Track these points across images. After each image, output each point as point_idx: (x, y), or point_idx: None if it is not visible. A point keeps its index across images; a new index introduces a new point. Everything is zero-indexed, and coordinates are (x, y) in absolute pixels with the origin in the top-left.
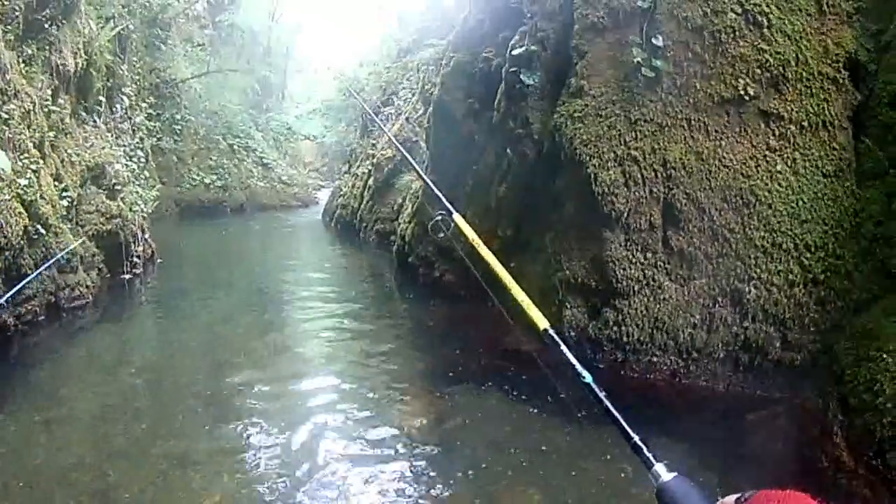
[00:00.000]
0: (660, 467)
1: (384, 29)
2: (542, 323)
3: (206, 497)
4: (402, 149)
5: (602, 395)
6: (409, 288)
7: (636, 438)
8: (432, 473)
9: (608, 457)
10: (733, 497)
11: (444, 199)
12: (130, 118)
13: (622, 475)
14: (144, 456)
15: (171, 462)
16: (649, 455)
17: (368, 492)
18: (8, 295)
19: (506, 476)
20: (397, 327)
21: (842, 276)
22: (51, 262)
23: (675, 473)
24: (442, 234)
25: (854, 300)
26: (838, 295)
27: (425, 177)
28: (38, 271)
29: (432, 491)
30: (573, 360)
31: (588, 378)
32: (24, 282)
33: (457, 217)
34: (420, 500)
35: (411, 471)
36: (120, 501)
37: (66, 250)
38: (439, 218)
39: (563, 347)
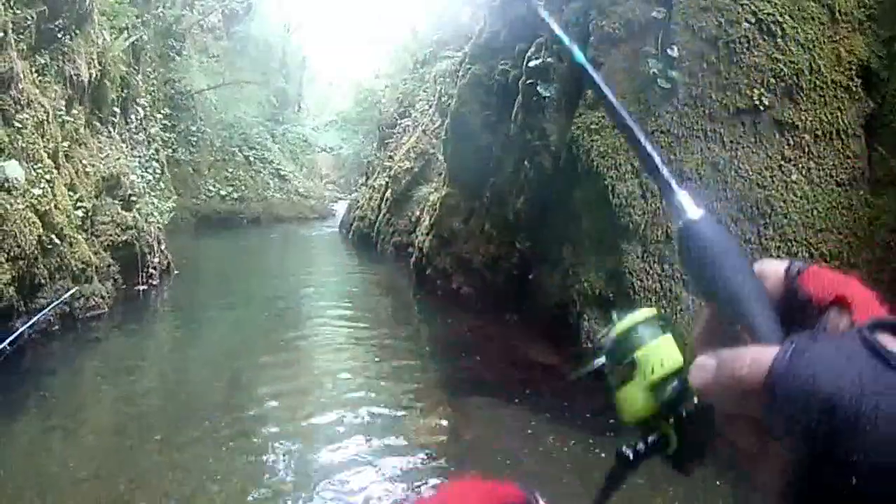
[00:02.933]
0: (684, 197)
1: (400, 41)
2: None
3: None
4: None
5: (597, 77)
6: (427, 300)
7: (650, 149)
8: (446, 482)
9: None
10: (779, 263)
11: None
12: (145, 129)
13: (638, 488)
14: (158, 467)
15: (184, 473)
16: (668, 176)
17: (383, 502)
18: (9, 340)
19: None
20: (414, 339)
21: None
22: (52, 305)
23: (703, 211)
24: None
25: None
26: None
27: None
28: (32, 320)
29: None
30: (553, 25)
31: (580, 57)
32: (19, 330)
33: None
34: None
35: (426, 480)
36: None
37: (68, 293)
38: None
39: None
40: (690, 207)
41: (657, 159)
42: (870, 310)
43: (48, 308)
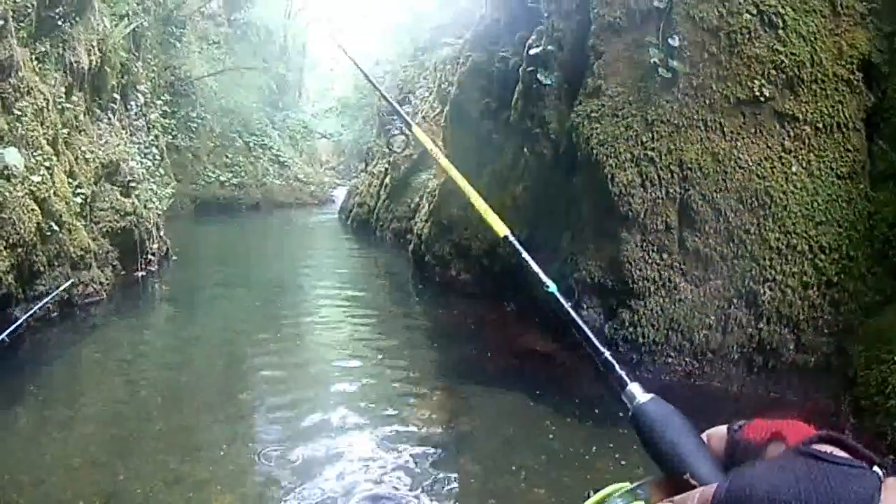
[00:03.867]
0: (634, 387)
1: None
2: (503, 230)
3: (219, 497)
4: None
5: (568, 305)
6: (425, 287)
7: (606, 354)
8: (445, 471)
9: (622, 458)
10: (723, 428)
11: (402, 113)
12: (145, 115)
13: (636, 476)
14: (157, 454)
15: (183, 461)
16: (621, 373)
17: (381, 488)
18: (7, 332)
19: (518, 475)
20: (413, 325)
21: (855, 278)
22: (51, 296)
23: (651, 395)
24: (399, 150)
25: (867, 302)
26: (852, 297)
27: (381, 90)
28: (31, 311)
29: (444, 488)
30: (536, 268)
31: (552, 287)
32: (13, 326)
33: (415, 129)
34: (432, 497)
35: (424, 468)
36: (131, 500)
37: (62, 288)
38: (397, 132)
39: (524, 254)
40: (640, 394)
41: (612, 362)
42: (807, 434)
43: (46, 299)
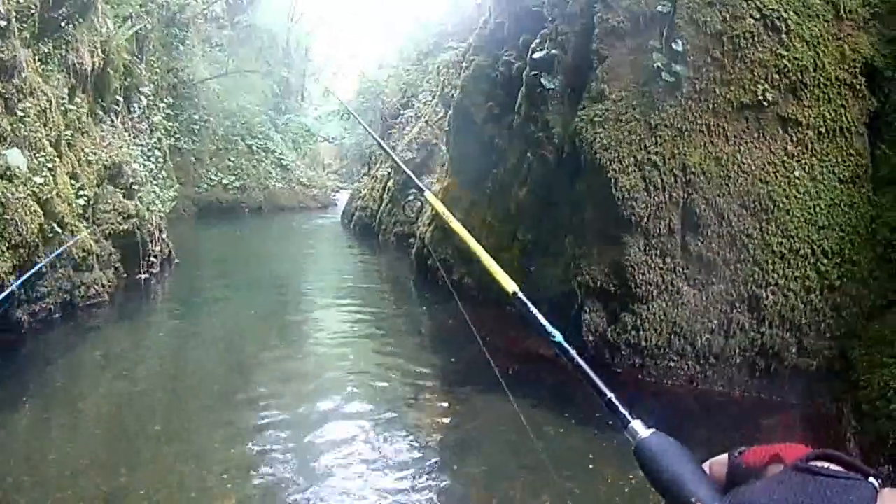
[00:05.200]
0: (637, 424)
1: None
2: (511, 286)
3: (220, 498)
4: (372, 133)
5: (573, 352)
6: (428, 290)
7: (610, 395)
8: (448, 473)
9: (624, 463)
10: (724, 455)
11: (415, 179)
12: (148, 118)
13: (638, 479)
14: (158, 456)
15: (185, 462)
16: (625, 412)
17: (383, 491)
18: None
19: (521, 478)
20: (416, 329)
21: (857, 282)
22: (55, 254)
23: (653, 430)
24: (413, 214)
25: (869, 306)
26: (854, 301)
27: (395, 157)
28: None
29: (448, 490)
30: (542, 320)
31: (558, 337)
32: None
33: (428, 195)
34: (435, 501)
35: (427, 471)
36: (132, 500)
37: (71, 242)
38: (411, 197)
39: (532, 309)
40: (642, 430)
41: (614, 400)
42: (804, 453)
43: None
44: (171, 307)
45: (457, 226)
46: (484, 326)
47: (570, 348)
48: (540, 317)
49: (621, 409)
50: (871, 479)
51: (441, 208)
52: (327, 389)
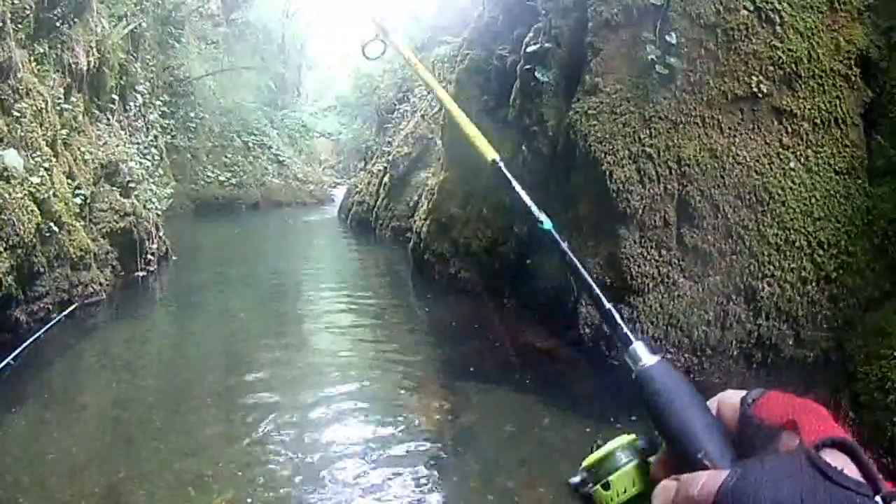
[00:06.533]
0: (639, 346)
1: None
2: (491, 154)
3: (219, 494)
4: None
5: (564, 245)
6: (425, 285)
7: (608, 305)
8: (446, 467)
9: None
10: (737, 394)
11: (377, 21)
12: (144, 116)
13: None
14: (156, 453)
15: (183, 460)
16: (626, 328)
17: (382, 485)
18: (12, 356)
19: (519, 471)
20: (413, 323)
21: (854, 273)
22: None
23: (658, 357)
24: (377, 57)
25: (866, 298)
26: (850, 292)
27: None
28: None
29: (446, 484)
30: (529, 202)
31: (547, 224)
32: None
33: (393, 38)
34: (433, 493)
35: (425, 464)
36: (132, 500)
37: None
38: (371, 40)
39: (515, 183)
40: (645, 355)
41: (616, 315)
42: (822, 430)
43: (44, 329)
44: (169, 305)
45: (428, 77)
46: (481, 320)
47: (560, 239)
48: (525, 196)
49: (622, 323)
50: (877, 497)
51: (410, 56)
52: (324, 383)
